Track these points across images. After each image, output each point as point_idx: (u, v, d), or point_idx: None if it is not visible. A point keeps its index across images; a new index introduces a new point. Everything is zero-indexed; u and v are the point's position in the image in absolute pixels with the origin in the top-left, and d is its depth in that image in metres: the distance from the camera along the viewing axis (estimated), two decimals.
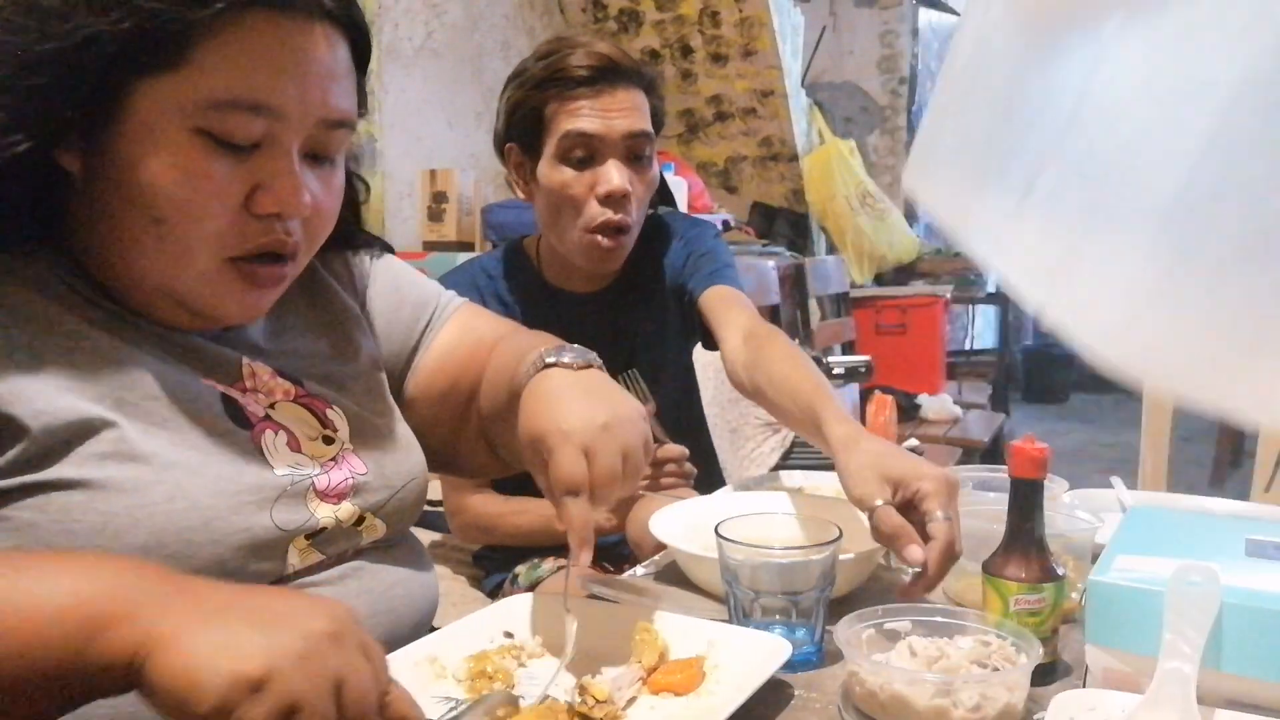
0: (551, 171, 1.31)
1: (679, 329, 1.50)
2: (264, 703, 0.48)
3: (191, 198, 0.68)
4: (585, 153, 1.29)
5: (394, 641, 0.78)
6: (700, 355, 1.64)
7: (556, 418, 0.76)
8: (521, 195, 1.39)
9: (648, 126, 1.32)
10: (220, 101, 0.67)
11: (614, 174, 1.29)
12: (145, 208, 0.68)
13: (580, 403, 0.77)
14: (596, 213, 1.31)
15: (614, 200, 1.30)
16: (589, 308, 1.43)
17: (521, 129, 1.33)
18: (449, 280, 1.42)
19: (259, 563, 0.73)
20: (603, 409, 0.77)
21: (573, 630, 0.76)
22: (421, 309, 0.99)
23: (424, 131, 3.06)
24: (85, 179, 0.70)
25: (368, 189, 0.91)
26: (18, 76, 0.64)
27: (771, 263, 3.10)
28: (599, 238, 1.32)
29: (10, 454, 0.65)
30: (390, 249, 0.98)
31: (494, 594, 1.53)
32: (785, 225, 4.12)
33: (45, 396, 0.66)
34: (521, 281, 1.43)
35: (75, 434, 0.67)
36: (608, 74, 1.28)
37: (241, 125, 0.68)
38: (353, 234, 0.91)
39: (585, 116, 1.28)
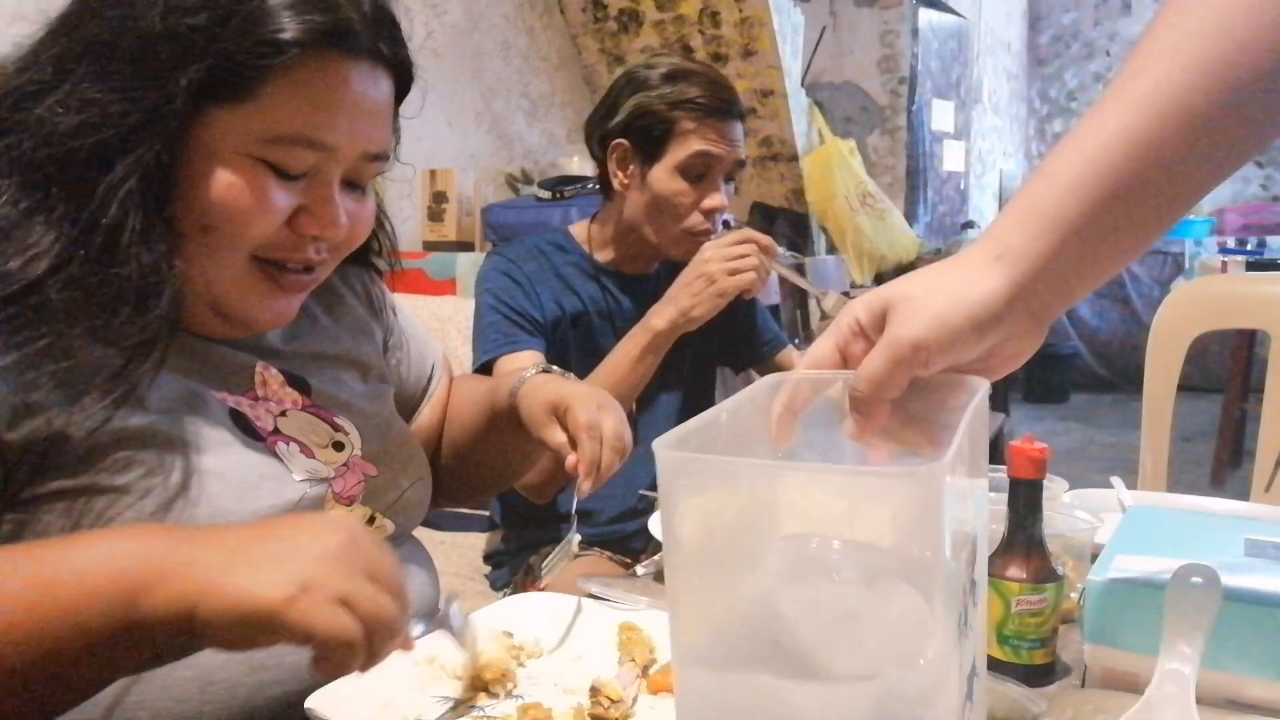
0: (669, 179, 1.49)
1: (716, 355, 1.70)
2: (313, 603, 0.53)
3: (245, 214, 0.73)
4: (702, 170, 1.49)
5: None
6: None
7: (571, 388, 0.92)
8: (618, 185, 1.54)
9: (744, 155, 1.56)
10: (281, 137, 0.72)
11: (721, 194, 1.51)
12: (196, 217, 0.72)
13: (583, 386, 0.94)
14: (698, 222, 1.51)
15: (712, 214, 1.52)
16: (635, 287, 1.59)
17: (644, 134, 1.49)
18: (507, 249, 1.57)
19: None
20: (601, 392, 0.92)
21: (575, 539, 0.92)
22: (422, 364, 1.07)
23: (424, 131, 3.06)
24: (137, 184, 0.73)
25: (393, 238, 0.98)
26: (113, 117, 0.68)
27: None
28: (692, 240, 1.51)
29: (50, 458, 0.67)
30: (380, 271, 1.03)
31: (505, 589, 1.56)
32: (785, 225, 4.12)
33: (80, 407, 0.68)
34: (573, 259, 1.58)
35: (107, 442, 0.69)
36: (734, 106, 1.51)
37: (296, 158, 0.74)
38: (365, 256, 0.97)
39: (713, 141, 1.48)
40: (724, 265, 1.40)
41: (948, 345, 0.56)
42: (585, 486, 0.85)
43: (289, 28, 0.70)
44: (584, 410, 0.87)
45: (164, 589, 0.54)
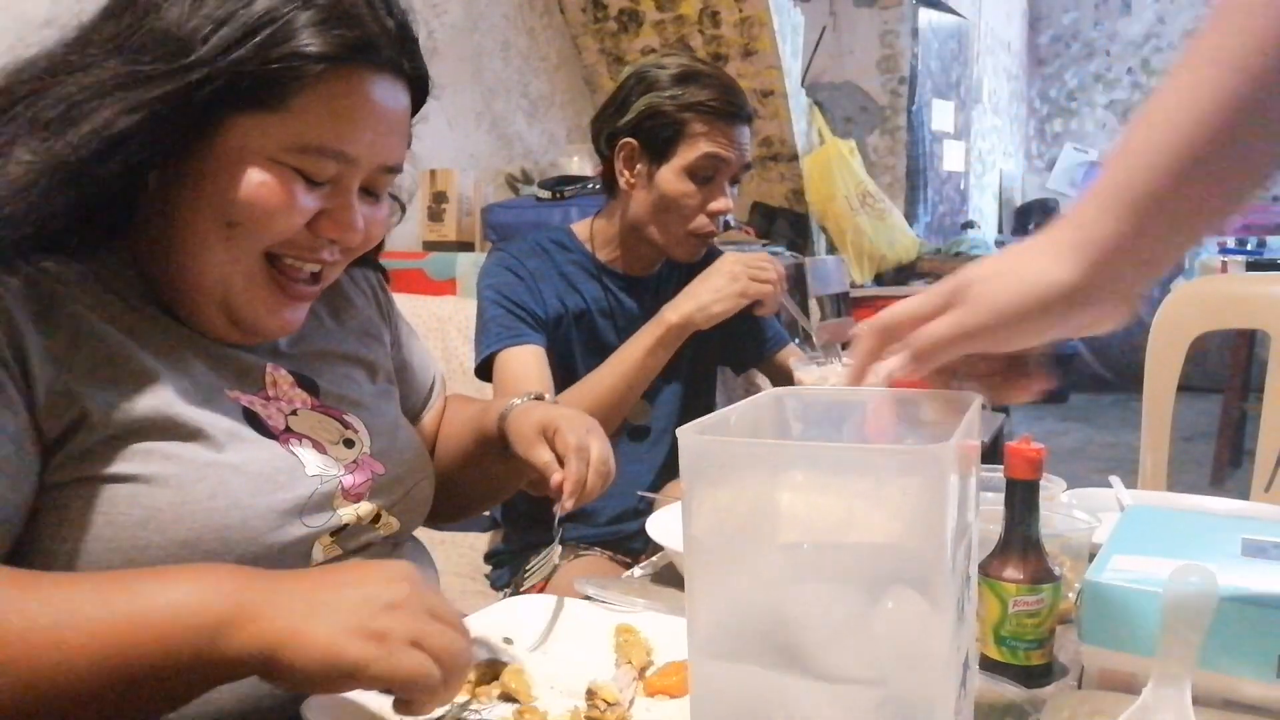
0: (677, 180, 1.49)
1: (717, 354, 1.70)
2: (392, 650, 0.57)
3: (273, 212, 0.75)
4: (711, 173, 1.49)
5: None
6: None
7: (562, 412, 0.94)
8: (624, 184, 1.53)
9: (751, 158, 1.57)
10: (308, 147, 0.75)
11: (727, 197, 1.53)
12: (222, 213, 0.74)
13: (573, 411, 0.96)
14: (704, 224, 1.53)
15: (718, 216, 1.53)
16: (637, 287, 1.60)
17: (653, 134, 1.49)
18: (510, 246, 1.58)
19: (286, 560, 0.77)
20: (590, 418, 0.95)
21: (556, 551, 0.99)
22: (425, 373, 1.09)
23: (424, 131, 3.06)
24: (160, 183, 0.75)
25: (403, 210, 0.98)
26: (142, 99, 0.69)
27: None
28: (697, 241, 1.54)
29: (75, 444, 0.69)
30: (386, 274, 1.06)
31: (506, 589, 1.56)
32: (785, 225, 4.11)
33: (105, 397, 0.71)
34: (576, 258, 1.59)
35: (128, 431, 0.71)
36: (744, 110, 1.51)
37: (321, 167, 0.76)
38: (370, 255, 0.99)
39: (722, 145, 1.48)
40: (747, 270, 1.43)
41: (1015, 330, 0.60)
42: (568, 504, 0.88)
43: (318, 42, 0.72)
44: (573, 433, 0.90)
45: (247, 628, 0.58)
